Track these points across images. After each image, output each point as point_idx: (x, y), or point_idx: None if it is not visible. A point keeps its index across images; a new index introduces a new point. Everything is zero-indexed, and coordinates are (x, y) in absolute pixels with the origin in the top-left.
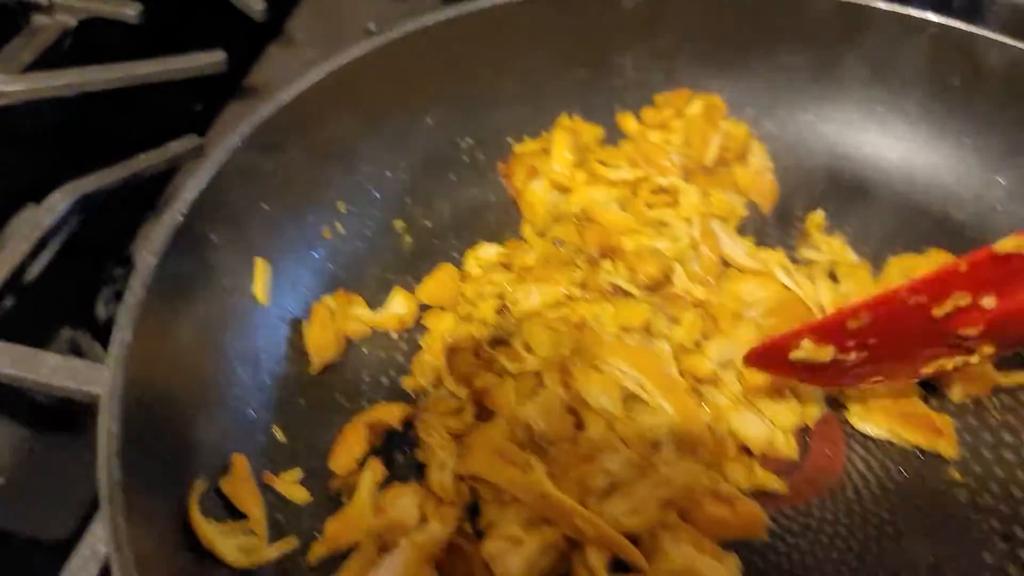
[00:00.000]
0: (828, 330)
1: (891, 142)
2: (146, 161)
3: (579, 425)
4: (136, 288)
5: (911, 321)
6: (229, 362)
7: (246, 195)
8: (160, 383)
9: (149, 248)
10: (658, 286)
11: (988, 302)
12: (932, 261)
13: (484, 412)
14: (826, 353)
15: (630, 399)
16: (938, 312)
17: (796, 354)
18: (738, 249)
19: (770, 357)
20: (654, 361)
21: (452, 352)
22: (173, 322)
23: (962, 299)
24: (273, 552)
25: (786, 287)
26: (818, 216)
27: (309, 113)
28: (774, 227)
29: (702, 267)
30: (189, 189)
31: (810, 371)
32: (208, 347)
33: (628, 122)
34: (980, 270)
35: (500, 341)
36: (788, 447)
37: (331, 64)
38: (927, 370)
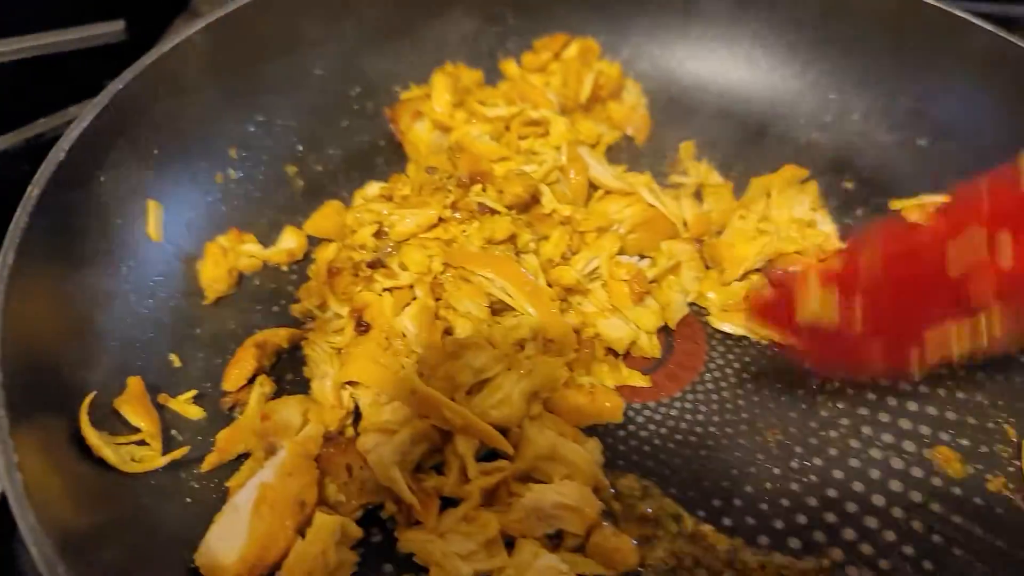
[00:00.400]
0: (838, 274)
1: (757, 76)
2: (46, 124)
3: (449, 332)
4: (20, 216)
5: (923, 268)
6: (125, 293)
7: (135, 140)
8: (50, 307)
9: (35, 182)
10: (527, 206)
11: (1004, 241)
12: (785, 176)
13: (363, 328)
14: (831, 300)
15: (501, 310)
16: (952, 254)
17: (803, 306)
18: (605, 172)
19: (777, 309)
20: (518, 270)
21: (333, 274)
22: (62, 252)
23: (977, 235)
24: (163, 460)
25: (651, 205)
26: (689, 145)
27: (195, 62)
28: (648, 157)
29: (570, 189)
30: (73, 129)
31: (817, 336)
32: (101, 278)
33: (509, 67)
34: (999, 200)
35: (378, 263)
36: (652, 347)
37: (215, 15)
38: (932, 339)
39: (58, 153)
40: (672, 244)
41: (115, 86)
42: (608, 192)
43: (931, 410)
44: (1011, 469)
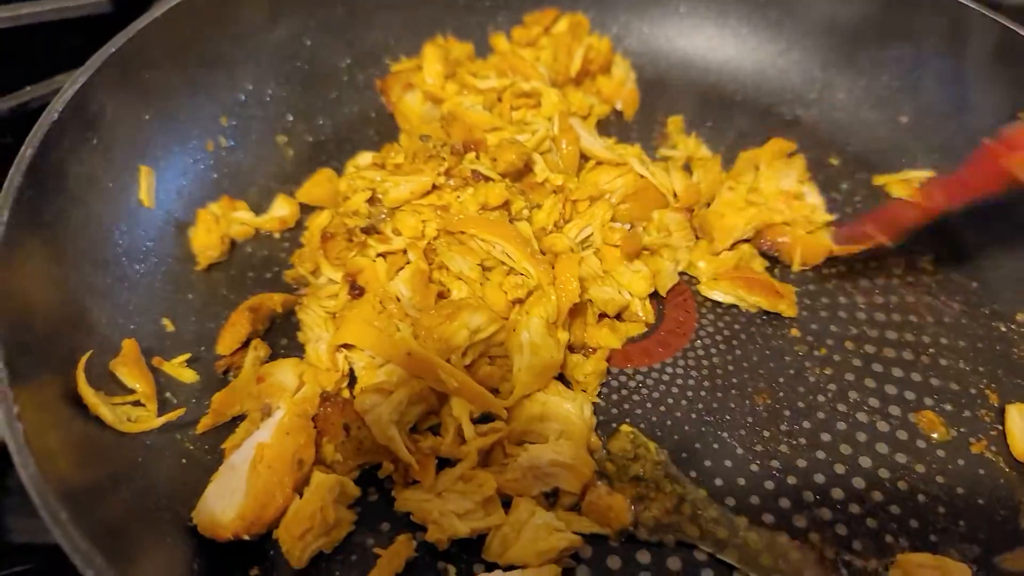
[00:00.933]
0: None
1: (744, 53)
2: (32, 93)
3: (443, 295)
4: (14, 175)
5: None
6: (117, 256)
7: (127, 104)
8: (44, 268)
9: (28, 142)
10: (520, 175)
11: None
12: (773, 149)
13: (357, 292)
14: None
15: (491, 268)
16: None
17: None
18: (596, 143)
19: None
20: (515, 232)
21: (326, 239)
22: (56, 213)
23: None
24: (158, 421)
25: (641, 176)
26: (677, 120)
27: (185, 29)
28: (637, 131)
29: (562, 159)
30: (66, 90)
31: None
32: (94, 241)
33: (499, 41)
34: None
35: (372, 229)
36: (646, 312)
37: None
38: None
39: (51, 114)
40: (663, 214)
41: (107, 50)
42: (599, 163)
43: (915, 376)
44: (993, 433)
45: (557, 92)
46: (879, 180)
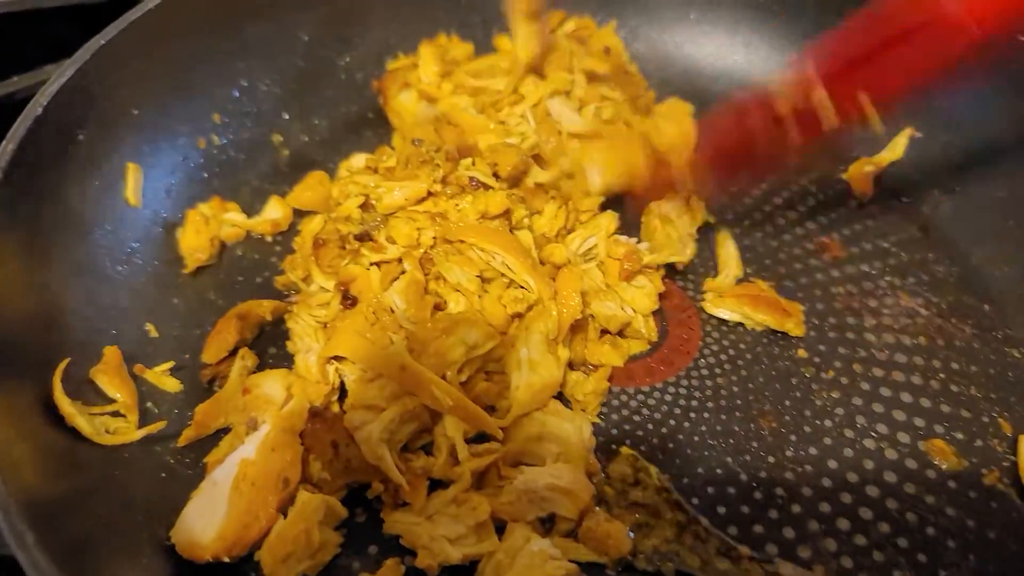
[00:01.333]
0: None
1: (754, 61)
2: (19, 83)
3: (440, 308)
4: None
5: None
6: (100, 257)
7: (115, 99)
8: (22, 268)
9: (10, 137)
10: (517, 180)
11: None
12: None
13: (350, 302)
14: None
15: (490, 279)
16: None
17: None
18: (574, 117)
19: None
20: (516, 242)
21: (318, 246)
22: (36, 211)
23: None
24: (139, 433)
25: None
26: None
27: (178, 21)
28: None
29: (545, 154)
30: (52, 83)
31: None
32: (77, 240)
33: (503, 42)
34: None
35: (365, 236)
36: (648, 329)
37: None
38: None
39: (36, 108)
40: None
41: (97, 42)
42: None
43: (925, 402)
44: (1006, 464)
45: (534, 79)
46: None
